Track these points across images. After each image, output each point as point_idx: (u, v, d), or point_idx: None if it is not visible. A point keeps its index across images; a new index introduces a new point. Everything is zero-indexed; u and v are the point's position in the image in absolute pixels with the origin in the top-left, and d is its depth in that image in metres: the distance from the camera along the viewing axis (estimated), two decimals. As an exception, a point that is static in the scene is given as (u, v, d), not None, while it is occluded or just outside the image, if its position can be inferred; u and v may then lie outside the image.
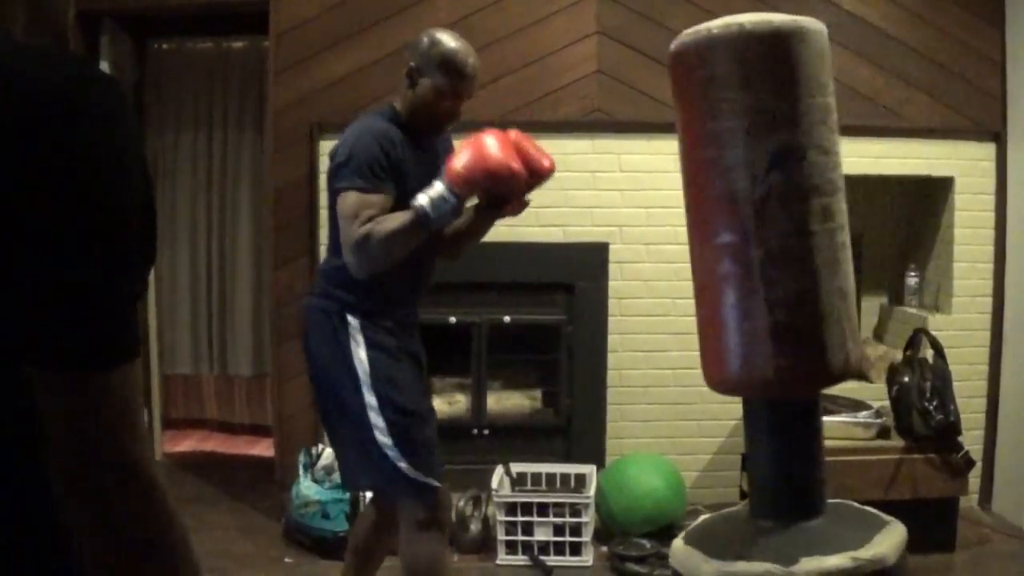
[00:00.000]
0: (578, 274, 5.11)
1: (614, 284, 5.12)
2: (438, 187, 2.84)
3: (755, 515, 2.80)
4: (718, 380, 2.75)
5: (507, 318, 5.05)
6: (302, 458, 4.83)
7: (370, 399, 3.06)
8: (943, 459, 4.59)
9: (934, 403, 4.57)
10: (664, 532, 4.67)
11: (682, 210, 4.95)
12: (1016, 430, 5.08)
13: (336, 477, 4.18)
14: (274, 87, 5.11)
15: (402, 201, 2.94)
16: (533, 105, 5.06)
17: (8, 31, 1.07)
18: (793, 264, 2.56)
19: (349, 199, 2.91)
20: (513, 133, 2.98)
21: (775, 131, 2.53)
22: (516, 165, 2.85)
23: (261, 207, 6.20)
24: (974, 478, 4.94)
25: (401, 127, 3.08)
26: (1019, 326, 5.12)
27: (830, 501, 2.82)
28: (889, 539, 2.63)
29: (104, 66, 5.35)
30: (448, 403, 5.12)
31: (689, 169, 2.72)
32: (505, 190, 2.94)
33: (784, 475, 2.75)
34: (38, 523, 1.04)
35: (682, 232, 5.01)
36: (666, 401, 5.17)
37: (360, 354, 3.06)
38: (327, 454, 4.66)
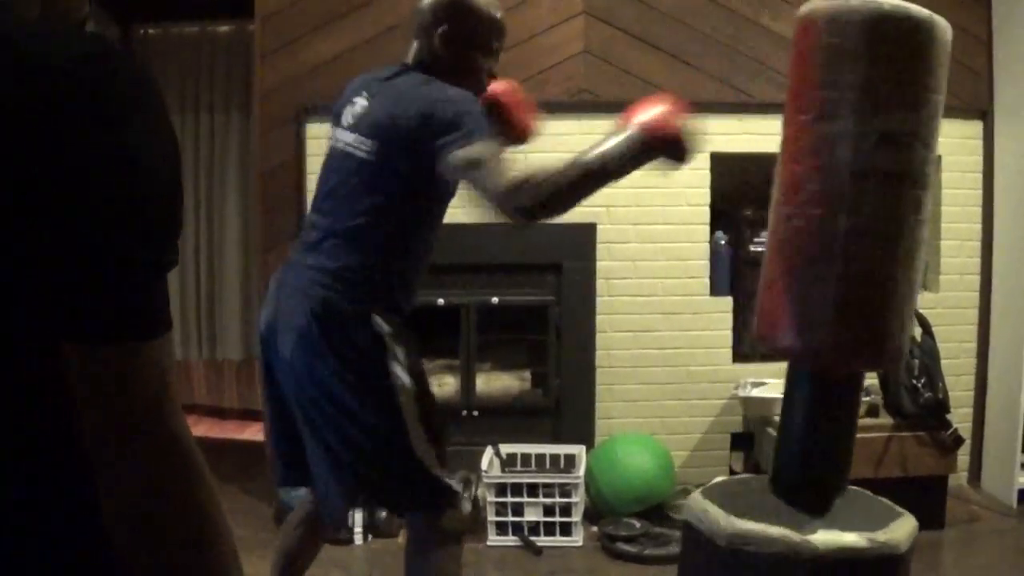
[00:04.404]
0: (566, 255, 5.10)
1: (602, 264, 5.12)
2: (624, 140, 2.74)
3: (778, 482, 2.81)
4: (772, 341, 2.73)
5: (495, 299, 5.04)
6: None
7: (410, 408, 2.84)
8: (932, 437, 4.61)
9: (922, 381, 4.59)
10: (653, 512, 4.70)
11: (668, 191, 5.03)
12: (1004, 408, 5.09)
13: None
14: (260, 70, 5.08)
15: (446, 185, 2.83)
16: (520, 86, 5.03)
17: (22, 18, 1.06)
18: (876, 244, 2.56)
19: (491, 146, 2.66)
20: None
21: (890, 112, 2.54)
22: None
23: (248, 191, 6.19)
24: (963, 456, 4.96)
25: None
26: (1007, 304, 5.14)
27: (849, 487, 2.83)
28: (903, 528, 2.65)
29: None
30: (437, 385, 5.11)
31: (792, 132, 2.71)
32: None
33: (816, 448, 2.75)
34: (75, 500, 1.04)
35: (670, 212, 5.08)
36: (655, 381, 5.17)
37: (397, 370, 2.81)
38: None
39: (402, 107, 2.75)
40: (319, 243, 2.87)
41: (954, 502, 4.83)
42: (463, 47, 2.92)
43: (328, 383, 2.79)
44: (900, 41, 2.57)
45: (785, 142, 2.72)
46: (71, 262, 0.94)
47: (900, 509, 2.79)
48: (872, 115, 2.54)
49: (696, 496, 2.81)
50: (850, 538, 2.53)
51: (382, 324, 2.80)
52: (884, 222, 2.57)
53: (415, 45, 2.96)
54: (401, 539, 4.03)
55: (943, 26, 2.62)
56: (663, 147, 2.80)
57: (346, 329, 2.79)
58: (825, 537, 2.52)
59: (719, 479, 3.04)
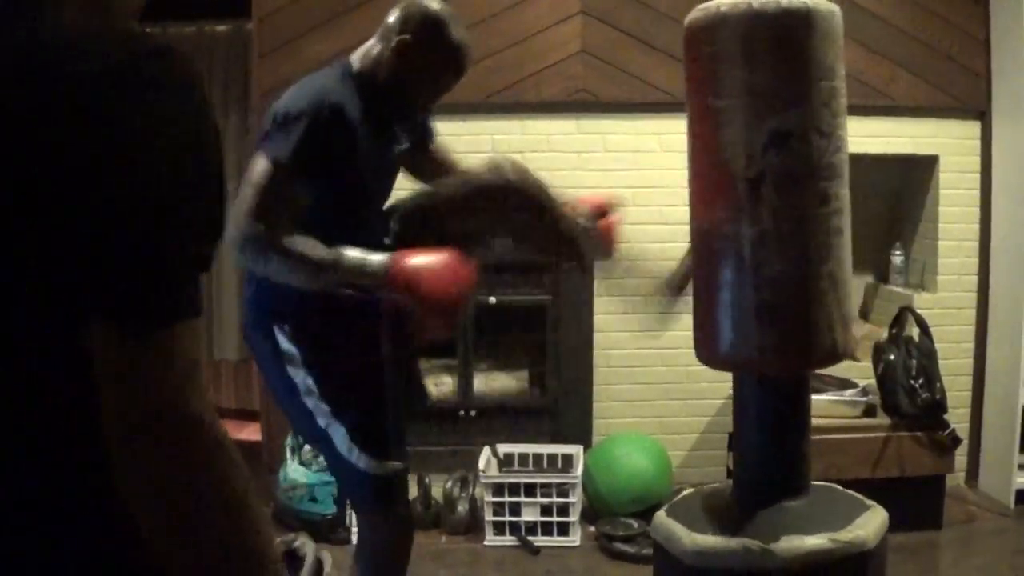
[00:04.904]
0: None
1: (599, 264, 5.11)
2: (375, 263, 2.54)
3: (739, 492, 2.82)
4: (707, 355, 2.76)
5: (492, 299, 5.03)
6: (289, 442, 4.82)
7: (300, 378, 2.80)
8: (929, 437, 4.61)
9: (920, 381, 4.59)
10: (651, 511, 4.66)
11: (666, 190, 5.03)
12: (1002, 408, 5.09)
13: (322, 459, 4.13)
14: (258, 71, 5.08)
15: (341, 185, 2.70)
16: (517, 86, 5.04)
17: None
18: (784, 246, 2.56)
19: (266, 166, 2.55)
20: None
21: (774, 112, 2.53)
22: (459, 316, 2.67)
23: (246, 190, 6.18)
24: (960, 456, 4.95)
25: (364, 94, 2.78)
26: (1004, 304, 5.13)
27: (814, 483, 2.83)
28: (870, 523, 2.64)
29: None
30: (435, 384, 5.11)
31: (691, 144, 2.72)
32: (430, 321, 2.65)
33: (769, 453, 2.76)
34: (99, 487, 1.04)
35: (667, 211, 5.07)
36: (652, 381, 5.17)
37: (281, 339, 2.80)
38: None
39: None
40: None
41: (951, 502, 4.83)
42: (412, 66, 2.77)
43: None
44: (774, 37, 2.55)
45: (689, 156, 2.74)
46: (106, 245, 0.96)
47: (868, 502, 2.79)
48: (759, 117, 2.54)
49: (660, 514, 2.82)
50: (813, 541, 2.52)
51: (272, 300, 2.78)
52: (789, 223, 2.56)
53: (368, 44, 2.85)
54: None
55: (824, 9, 2.57)
56: (407, 295, 2.56)
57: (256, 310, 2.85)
58: (788, 544, 2.51)
59: (686, 491, 3.04)
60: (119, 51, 0.99)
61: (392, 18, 2.80)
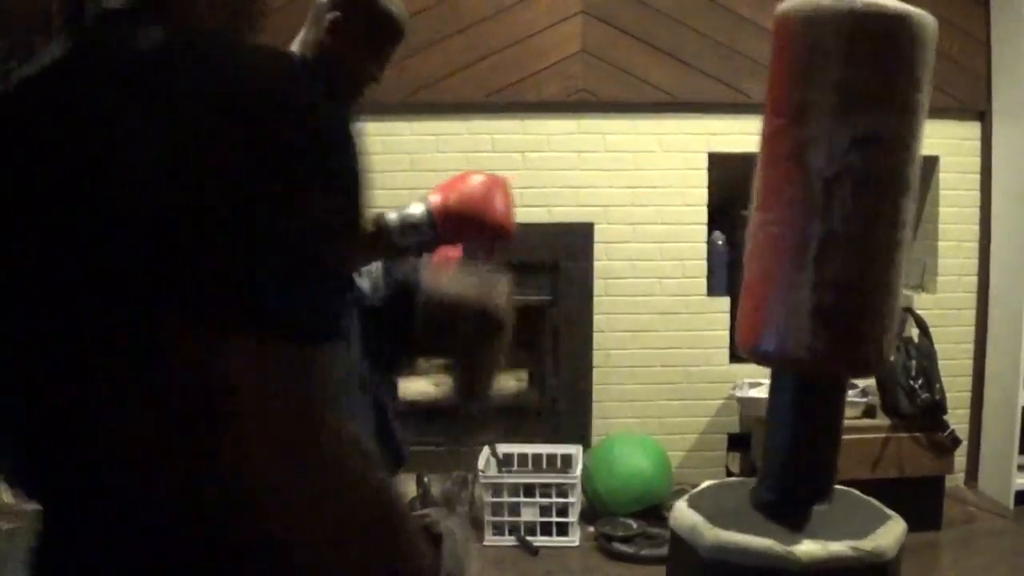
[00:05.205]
0: (563, 254, 5.10)
1: (599, 264, 5.12)
2: (415, 209, 2.38)
3: (763, 489, 2.80)
4: (751, 347, 2.71)
5: (493, 299, 5.02)
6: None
7: None
8: (929, 438, 4.61)
9: (920, 382, 4.58)
10: (650, 512, 4.68)
11: (666, 190, 5.03)
12: (1001, 409, 5.09)
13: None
14: (257, 68, 5.07)
15: None
16: (517, 86, 5.03)
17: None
18: (851, 249, 2.53)
19: None
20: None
21: (864, 114, 2.50)
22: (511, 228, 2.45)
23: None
24: (960, 457, 4.95)
25: None
26: (1004, 305, 5.13)
27: (836, 488, 2.82)
28: (890, 533, 2.63)
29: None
30: (435, 384, 5.11)
31: (768, 134, 2.68)
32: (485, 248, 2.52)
33: (800, 455, 2.74)
34: (233, 498, 1.04)
35: (667, 212, 5.08)
36: (652, 381, 5.16)
37: None
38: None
39: None
40: None
41: (951, 503, 4.82)
42: (348, 42, 2.63)
43: None
44: (876, 39, 2.52)
45: (762, 145, 2.70)
46: (269, 260, 0.96)
47: (889, 512, 2.77)
48: (847, 117, 2.50)
49: (681, 504, 2.80)
50: (835, 548, 2.51)
51: None
52: (858, 228, 2.53)
53: (302, 33, 2.67)
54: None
55: (925, 21, 2.55)
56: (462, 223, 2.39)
57: None
58: (809, 548, 2.50)
59: (707, 483, 3.03)
60: (293, 64, 1.02)
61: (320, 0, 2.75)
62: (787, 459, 2.76)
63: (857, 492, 2.94)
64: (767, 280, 2.65)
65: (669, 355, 5.10)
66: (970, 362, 5.29)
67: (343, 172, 1.01)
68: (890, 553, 2.56)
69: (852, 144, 2.49)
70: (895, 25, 2.51)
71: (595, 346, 5.15)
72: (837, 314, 2.56)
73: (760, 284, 2.69)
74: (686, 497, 2.85)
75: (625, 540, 4.48)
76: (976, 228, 5.26)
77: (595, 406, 5.17)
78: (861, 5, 2.48)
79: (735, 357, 5.18)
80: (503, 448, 4.86)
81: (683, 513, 2.74)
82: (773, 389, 2.80)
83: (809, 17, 2.54)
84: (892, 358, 2.69)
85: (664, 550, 4.31)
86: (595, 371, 5.16)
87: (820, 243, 2.52)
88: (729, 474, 5.01)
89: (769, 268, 2.64)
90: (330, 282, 1.01)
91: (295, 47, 2.75)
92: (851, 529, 2.59)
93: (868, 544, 2.54)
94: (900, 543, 2.64)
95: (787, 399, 2.74)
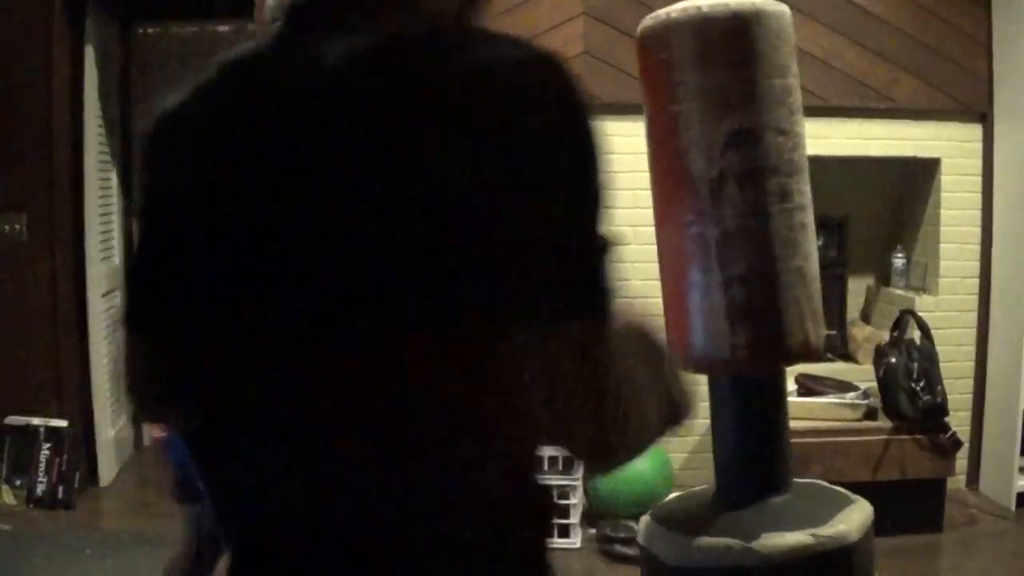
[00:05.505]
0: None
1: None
2: None
3: (720, 493, 2.83)
4: (684, 358, 2.76)
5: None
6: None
7: None
8: (930, 440, 4.61)
9: (921, 384, 4.58)
10: (652, 514, 4.69)
11: (669, 192, 5.03)
12: (1003, 411, 5.09)
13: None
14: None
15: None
16: (519, 87, 5.03)
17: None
18: (749, 244, 2.58)
19: None
20: None
21: (730, 113, 2.56)
22: None
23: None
24: (961, 459, 4.95)
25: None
26: (1006, 307, 5.13)
27: (799, 481, 2.84)
28: (853, 516, 2.64)
29: (89, 50, 5.32)
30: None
31: (651, 150, 2.76)
32: None
33: (746, 452, 2.77)
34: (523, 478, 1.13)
35: (669, 214, 5.08)
36: (653, 383, 5.15)
37: None
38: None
39: None
40: None
41: (952, 505, 4.82)
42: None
43: None
44: (725, 39, 2.57)
45: (650, 162, 2.75)
46: (566, 240, 0.99)
47: (853, 497, 2.79)
48: (716, 119, 2.56)
49: (645, 519, 2.83)
50: (794, 538, 2.53)
51: None
52: (752, 221, 2.57)
53: (272, 27, 2.73)
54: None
55: (774, 10, 2.59)
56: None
57: None
58: (768, 541, 2.52)
59: (672, 495, 3.06)
60: (528, 53, 1.08)
61: None
62: (736, 459, 2.79)
63: (822, 482, 2.96)
64: (680, 290, 2.70)
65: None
66: (971, 364, 5.29)
67: (603, 156, 1.04)
68: (853, 536, 2.58)
69: (727, 143, 2.54)
70: (742, 22, 2.56)
71: (596, 348, 5.14)
72: (751, 309, 2.59)
73: (675, 295, 2.73)
74: (650, 511, 2.88)
75: (626, 542, 4.48)
76: (978, 230, 5.26)
77: (596, 408, 5.16)
78: (707, 9, 2.53)
79: (736, 359, 5.19)
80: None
81: (647, 527, 2.78)
82: (710, 392, 2.84)
83: (661, 31, 2.62)
84: (821, 340, 2.70)
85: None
86: (596, 373, 5.15)
87: (718, 243, 2.57)
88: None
89: (679, 278, 2.69)
90: (607, 262, 1.04)
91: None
92: (812, 518, 2.61)
93: (829, 530, 2.56)
94: (866, 526, 2.65)
95: (724, 401, 2.78)
